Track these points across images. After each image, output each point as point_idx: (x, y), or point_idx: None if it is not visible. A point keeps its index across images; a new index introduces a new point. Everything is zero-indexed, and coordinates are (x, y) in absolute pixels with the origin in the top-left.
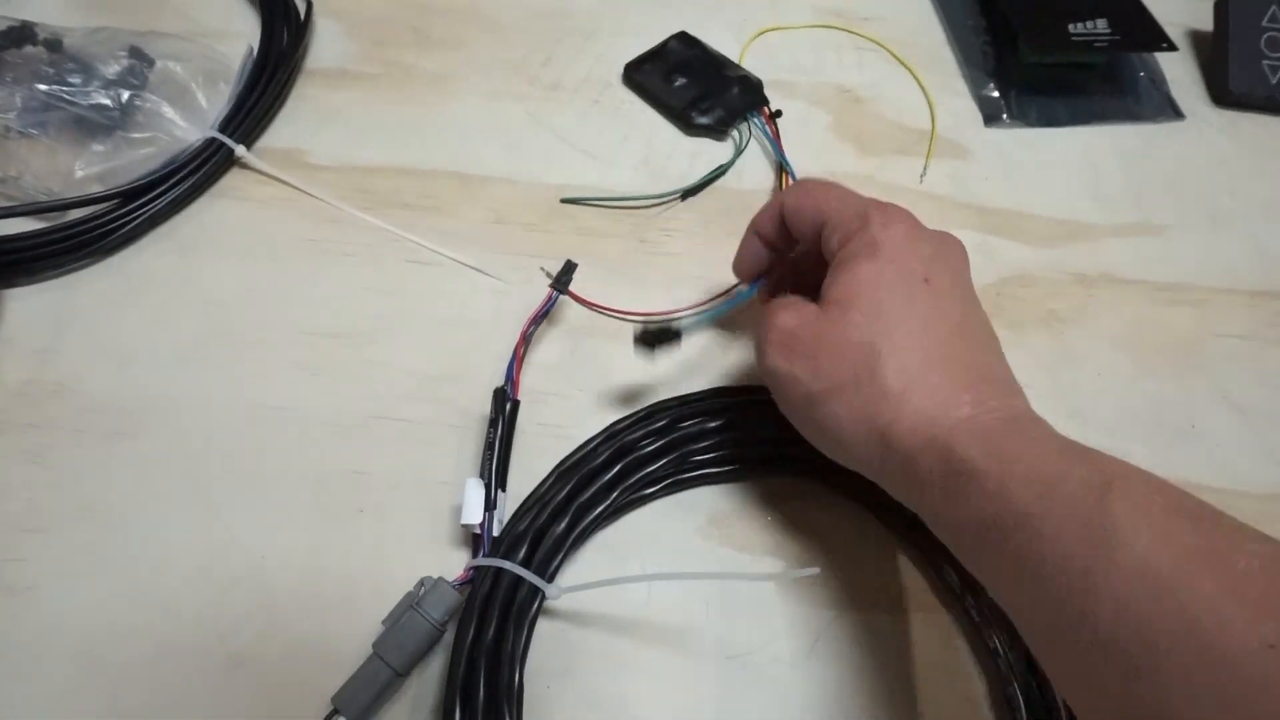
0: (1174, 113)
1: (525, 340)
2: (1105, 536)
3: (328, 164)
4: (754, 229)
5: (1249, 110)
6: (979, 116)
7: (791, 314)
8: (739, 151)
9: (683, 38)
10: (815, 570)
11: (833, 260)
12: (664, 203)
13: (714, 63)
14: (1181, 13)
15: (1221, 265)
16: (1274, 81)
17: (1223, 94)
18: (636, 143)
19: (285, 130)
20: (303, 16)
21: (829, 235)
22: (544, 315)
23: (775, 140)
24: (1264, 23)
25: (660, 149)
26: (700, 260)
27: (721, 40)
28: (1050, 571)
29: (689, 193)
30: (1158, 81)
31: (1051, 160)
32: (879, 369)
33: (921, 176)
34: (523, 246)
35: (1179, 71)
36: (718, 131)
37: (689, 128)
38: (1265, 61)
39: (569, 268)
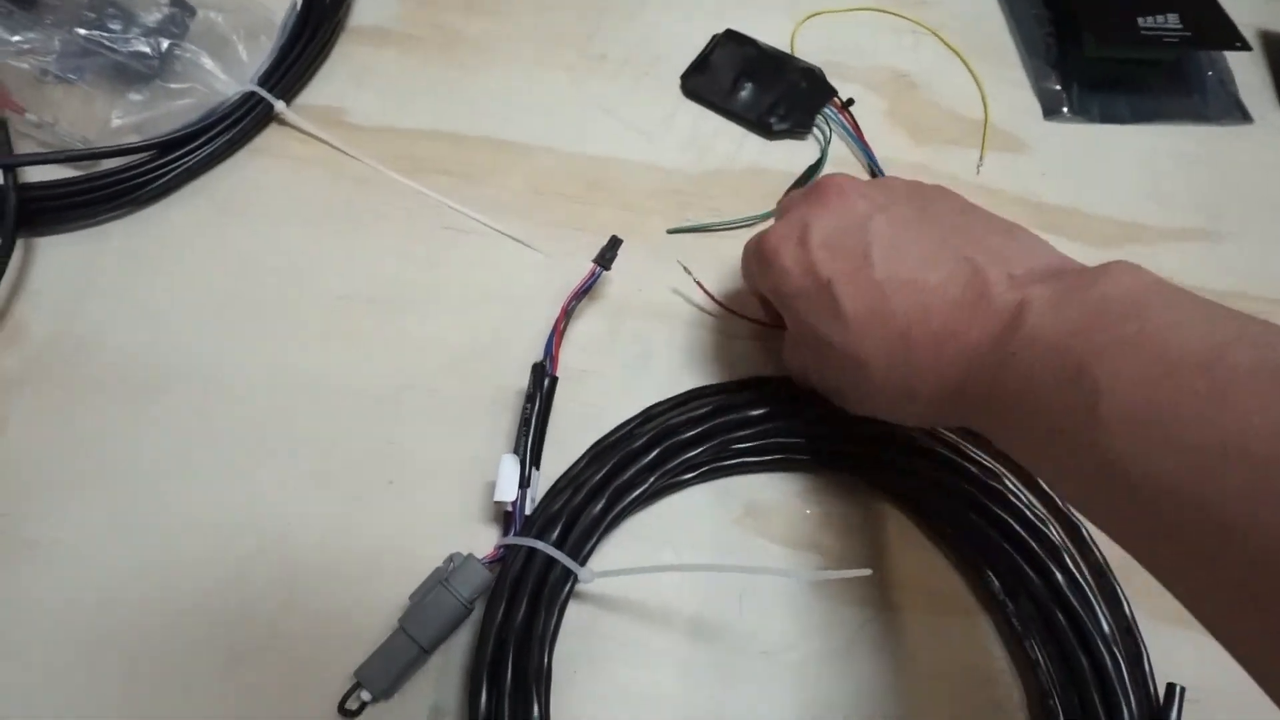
0: (1242, 115)
1: (566, 315)
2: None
3: (367, 125)
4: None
5: None
6: (1038, 109)
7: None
8: (826, 147)
9: (731, 36)
10: (867, 571)
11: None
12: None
13: (770, 59)
14: (1255, 12)
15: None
16: None
17: None
18: (683, 119)
19: (325, 88)
20: None
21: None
22: (586, 291)
23: (856, 134)
24: None
25: (706, 127)
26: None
27: (766, 26)
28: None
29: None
30: (1226, 82)
31: (1111, 158)
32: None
33: (978, 167)
34: (563, 218)
35: (1249, 73)
36: (798, 134)
37: (769, 134)
38: None
39: (614, 243)
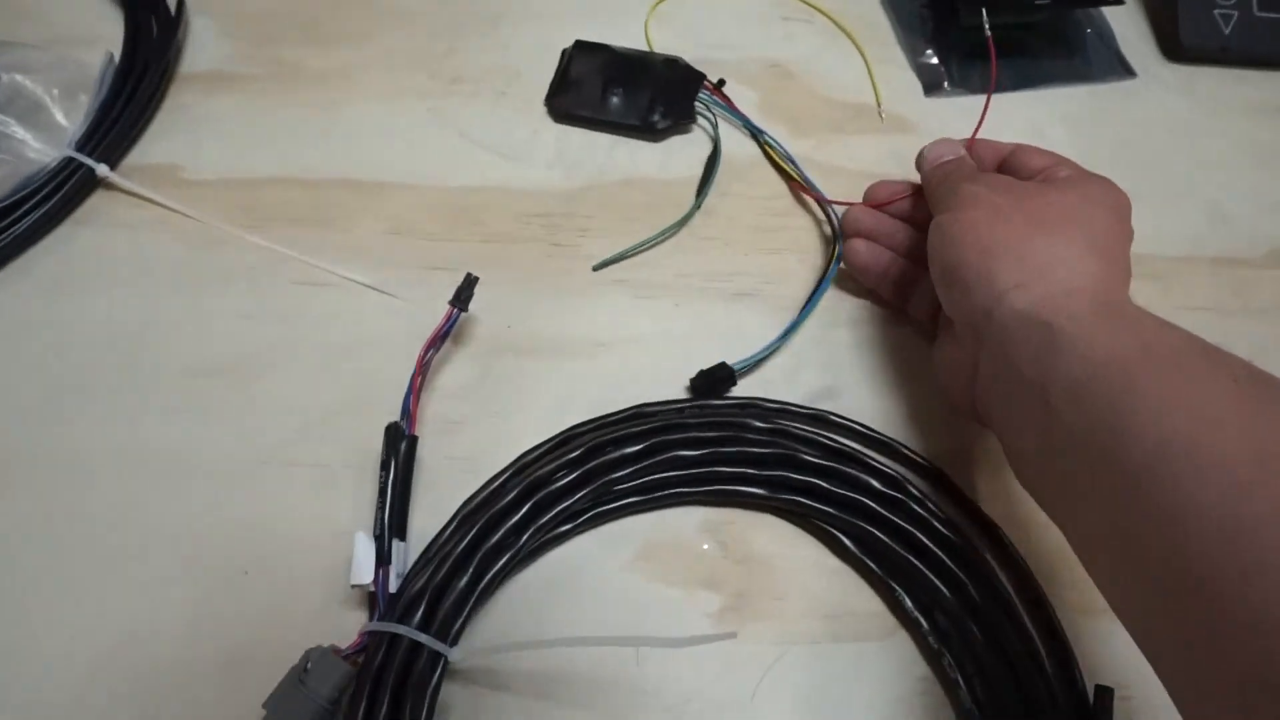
0: (1125, 71)
1: (423, 367)
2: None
3: (206, 178)
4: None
5: (1203, 64)
6: (919, 87)
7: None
8: (716, 132)
9: (582, 47)
10: (732, 634)
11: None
12: (683, 224)
13: (630, 60)
14: None
15: (1181, 232)
16: (1227, 31)
17: (1175, 48)
18: (548, 135)
19: (157, 144)
20: (173, 13)
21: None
22: (445, 336)
23: (737, 111)
24: None
25: (572, 142)
26: (620, 262)
27: (621, 25)
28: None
29: (699, 198)
30: (1106, 38)
31: (998, 129)
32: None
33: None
34: (426, 258)
35: (1129, 27)
36: (684, 126)
37: (655, 135)
38: (1217, 10)
39: (469, 282)
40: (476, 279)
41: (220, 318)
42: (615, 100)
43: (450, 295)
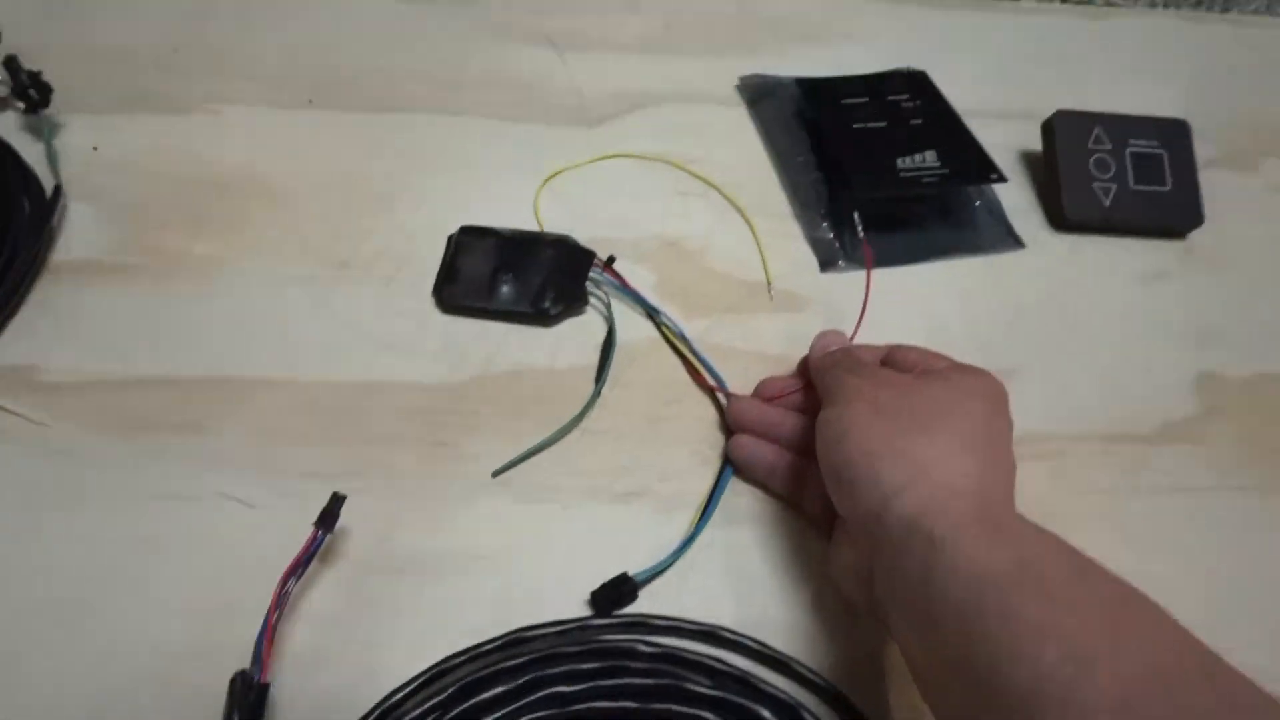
0: (1015, 242)
1: (280, 601)
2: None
3: (66, 381)
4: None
5: (1088, 233)
6: (814, 262)
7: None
8: (610, 313)
9: (468, 231)
10: None
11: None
12: (581, 419)
13: (518, 243)
14: (1013, 133)
15: (1074, 408)
16: (1107, 203)
17: (1059, 220)
18: (437, 323)
19: (16, 344)
20: (49, 196)
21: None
22: (308, 561)
23: (631, 290)
24: (1090, 144)
25: (463, 331)
26: (504, 457)
27: (524, 202)
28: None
29: (598, 386)
30: (995, 211)
31: (891, 304)
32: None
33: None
34: (301, 465)
35: (1017, 198)
36: (577, 309)
37: (547, 321)
38: (1096, 184)
39: (336, 501)
40: (343, 498)
41: (69, 541)
42: (505, 288)
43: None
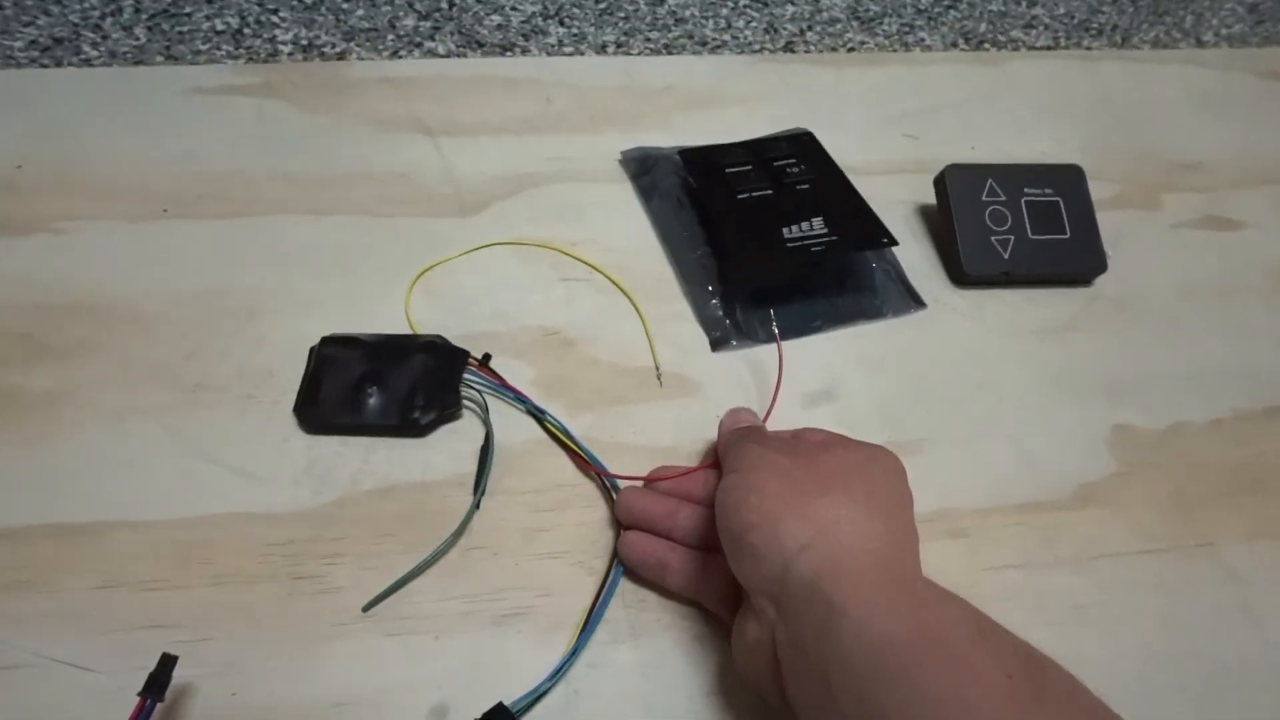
0: (916, 302)
1: None
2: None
3: None
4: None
5: (989, 287)
6: (705, 342)
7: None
8: (486, 415)
9: (330, 341)
10: None
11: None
12: (458, 538)
13: (385, 348)
14: (911, 188)
15: (984, 478)
16: (1007, 256)
17: (960, 276)
18: (299, 443)
19: None
20: None
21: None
22: None
23: (509, 388)
24: (984, 197)
25: (327, 448)
26: (372, 590)
27: (399, 298)
28: None
29: (476, 496)
30: (894, 272)
31: (793, 377)
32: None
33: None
34: (143, 614)
35: (916, 255)
36: (450, 417)
37: (420, 431)
38: (994, 237)
39: (166, 663)
40: (174, 659)
41: None
42: (371, 400)
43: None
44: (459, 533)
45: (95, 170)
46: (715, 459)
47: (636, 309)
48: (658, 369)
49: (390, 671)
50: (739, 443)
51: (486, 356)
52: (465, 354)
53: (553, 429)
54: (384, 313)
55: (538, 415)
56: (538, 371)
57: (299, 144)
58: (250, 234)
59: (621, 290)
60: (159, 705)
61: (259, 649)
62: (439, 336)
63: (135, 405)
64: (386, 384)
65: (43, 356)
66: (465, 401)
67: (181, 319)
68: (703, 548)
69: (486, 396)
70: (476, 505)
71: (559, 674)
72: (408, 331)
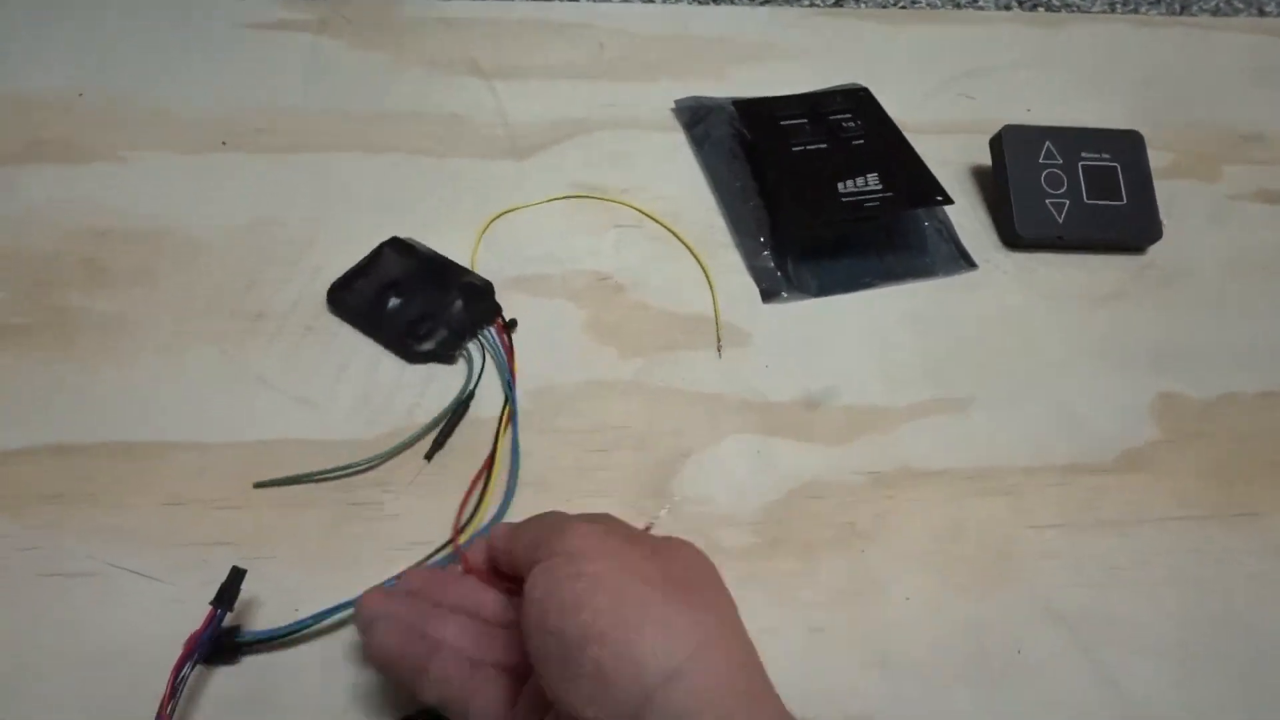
0: (967, 263)
1: (175, 689)
2: None
3: None
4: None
5: (1041, 251)
6: (756, 292)
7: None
8: (472, 382)
9: (395, 244)
10: None
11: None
12: (380, 463)
13: (435, 270)
14: (965, 149)
15: (1029, 438)
16: (1061, 220)
17: (1012, 238)
18: (357, 373)
19: None
20: None
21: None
22: (207, 642)
23: (508, 362)
24: (1041, 159)
25: (385, 379)
26: (429, 519)
27: (451, 239)
28: None
29: (433, 451)
30: (946, 231)
31: (837, 335)
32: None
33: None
34: (208, 532)
35: (968, 216)
36: (443, 357)
37: (411, 356)
38: (1049, 200)
39: (235, 576)
40: (243, 572)
41: None
42: (389, 307)
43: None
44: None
45: (153, 101)
46: (490, 565)
47: (698, 260)
48: (719, 342)
49: None
50: (563, 522)
51: (512, 322)
52: (496, 310)
53: (503, 421)
54: (442, 250)
55: (507, 394)
56: (589, 315)
57: (353, 81)
58: (306, 169)
59: (677, 238)
60: (228, 616)
61: (318, 569)
62: (488, 283)
63: (195, 330)
64: (411, 301)
65: (105, 281)
66: (465, 352)
67: (237, 251)
68: (488, 654)
69: (487, 359)
70: (428, 458)
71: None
72: (464, 264)
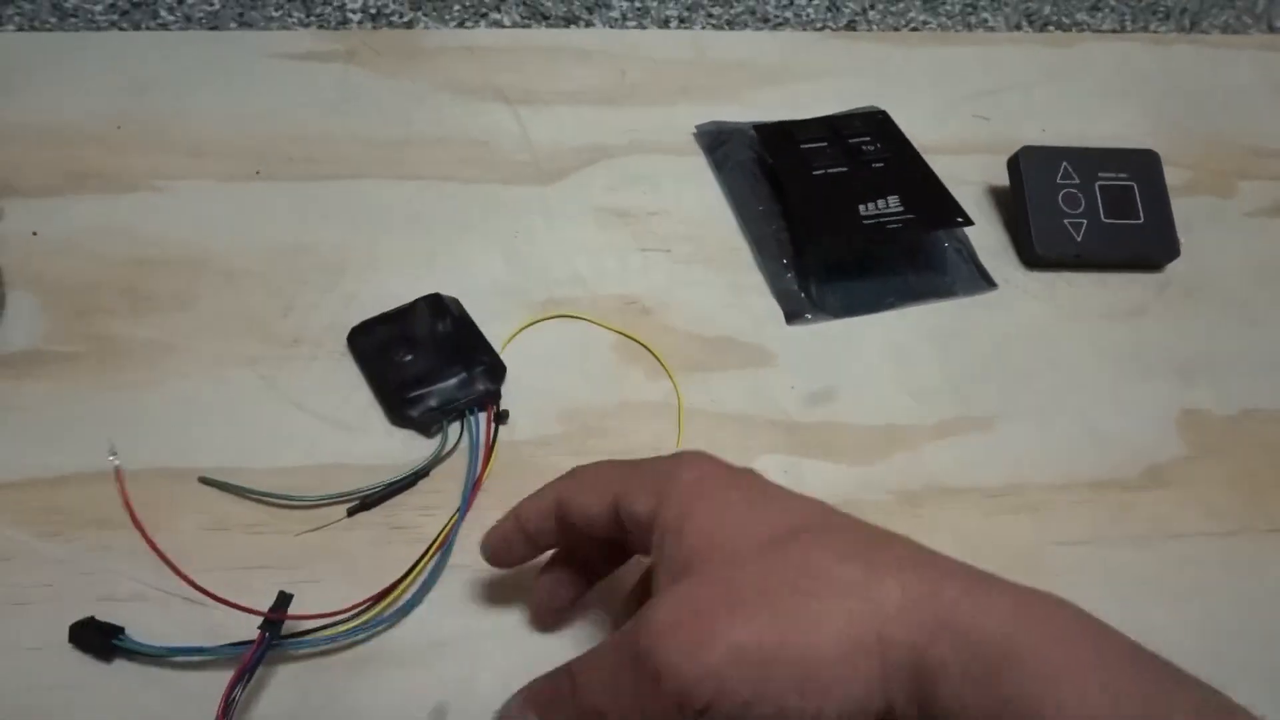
0: (987, 282)
1: (226, 712)
2: None
3: (1, 479)
4: (518, 521)
5: (1061, 270)
6: (780, 313)
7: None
8: (435, 459)
9: (432, 302)
10: None
11: (653, 527)
12: (321, 506)
13: (459, 338)
14: (982, 169)
15: (1055, 454)
16: (1079, 239)
17: (1031, 258)
18: None
19: None
20: None
21: (631, 505)
22: (254, 668)
23: (486, 449)
24: (1058, 179)
25: None
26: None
27: (478, 265)
28: None
29: (357, 509)
30: (965, 251)
31: (861, 355)
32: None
33: None
34: (248, 556)
35: (987, 236)
36: (420, 428)
37: (394, 418)
38: (1067, 220)
39: (283, 600)
40: (290, 596)
41: (4, 650)
42: (394, 360)
43: (270, 604)
44: None
45: (188, 132)
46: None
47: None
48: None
49: (483, 618)
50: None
51: (503, 414)
52: (494, 397)
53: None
54: (470, 274)
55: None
56: (617, 337)
57: (381, 110)
58: (337, 196)
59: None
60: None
61: (362, 591)
62: (502, 367)
63: (233, 355)
64: (416, 362)
65: (149, 308)
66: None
67: (275, 276)
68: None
69: (464, 437)
70: (349, 514)
71: None
72: (483, 336)
